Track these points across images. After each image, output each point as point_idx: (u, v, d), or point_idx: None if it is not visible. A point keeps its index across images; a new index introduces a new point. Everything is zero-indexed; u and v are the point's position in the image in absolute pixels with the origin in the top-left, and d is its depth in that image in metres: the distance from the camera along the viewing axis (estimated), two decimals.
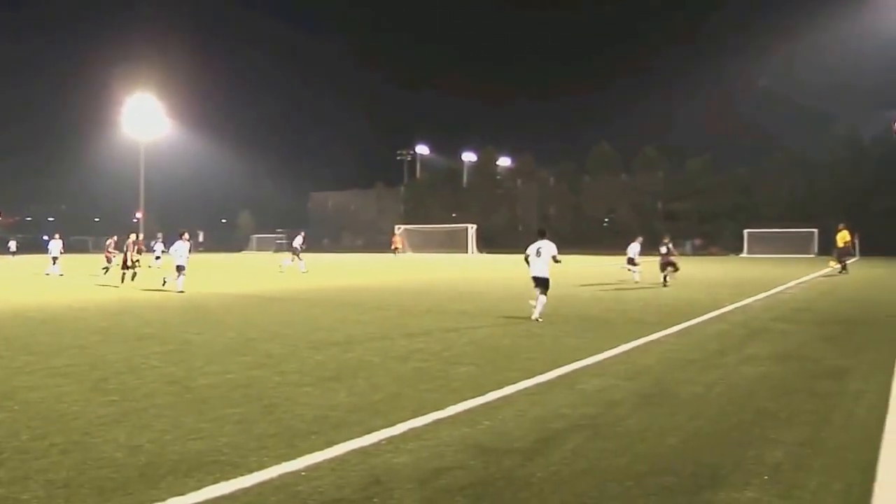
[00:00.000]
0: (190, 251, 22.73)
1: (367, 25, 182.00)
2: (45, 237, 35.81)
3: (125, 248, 26.07)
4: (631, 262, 26.84)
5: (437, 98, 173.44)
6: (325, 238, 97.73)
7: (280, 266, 34.80)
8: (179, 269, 22.02)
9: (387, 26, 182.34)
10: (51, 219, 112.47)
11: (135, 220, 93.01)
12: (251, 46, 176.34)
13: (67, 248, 39.93)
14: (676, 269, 24.78)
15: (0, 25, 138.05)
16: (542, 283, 14.35)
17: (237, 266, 43.54)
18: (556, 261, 14.45)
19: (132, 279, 25.35)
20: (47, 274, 32.27)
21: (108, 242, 34.38)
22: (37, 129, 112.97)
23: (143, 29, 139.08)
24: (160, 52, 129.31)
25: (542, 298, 14.25)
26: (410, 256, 61.37)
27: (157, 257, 40.96)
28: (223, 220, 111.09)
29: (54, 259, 33.36)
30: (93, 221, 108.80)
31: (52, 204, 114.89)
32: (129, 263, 25.46)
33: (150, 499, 4.65)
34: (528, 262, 14.63)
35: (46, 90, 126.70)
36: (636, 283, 25.18)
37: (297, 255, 35.12)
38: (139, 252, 27.09)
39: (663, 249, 25.44)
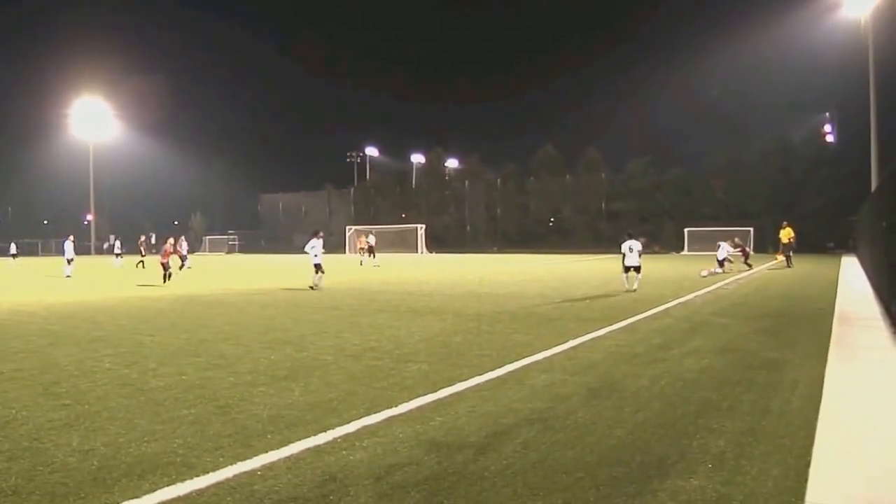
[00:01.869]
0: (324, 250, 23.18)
1: (315, 30, 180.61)
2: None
3: (164, 250, 26.67)
4: (722, 263, 29.66)
5: (386, 101, 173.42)
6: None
7: (360, 263, 39.28)
8: (318, 267, 22.27)
9: (335, 31, 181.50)
10: None
11: (85, 223, 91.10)
12: (201, 49, 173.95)
13: (18, 252, 39.75)
14: (748, 256, 33.17)
15: None
16: (637, 269, 20.77)
17: (191, 267, 42.92)
18: (640, 254, 21.02)
19: (165, 279, 26.13)
20: (68, 276, 32.26)
21: (175, 243, 35.39)
22: None
23: (90, 31, 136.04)
24: (107, 54, 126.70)
25: (638, 276, 20.78)
26: (361, 258, 61.03)
27: (184, 257, 40.75)
28: (175, 222, 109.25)
29: (69, 261, 33.45)
30: (41, 224, 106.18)
31: None
32: (167, 264, 25.79)
33: (103, 503, 4.63)
34: (624, 256, 21.12)
35: None
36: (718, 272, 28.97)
37: (373, 253, 40.27)
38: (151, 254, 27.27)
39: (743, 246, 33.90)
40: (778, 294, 20.06)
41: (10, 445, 5.89)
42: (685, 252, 63.08)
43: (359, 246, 62.82)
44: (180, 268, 35.44)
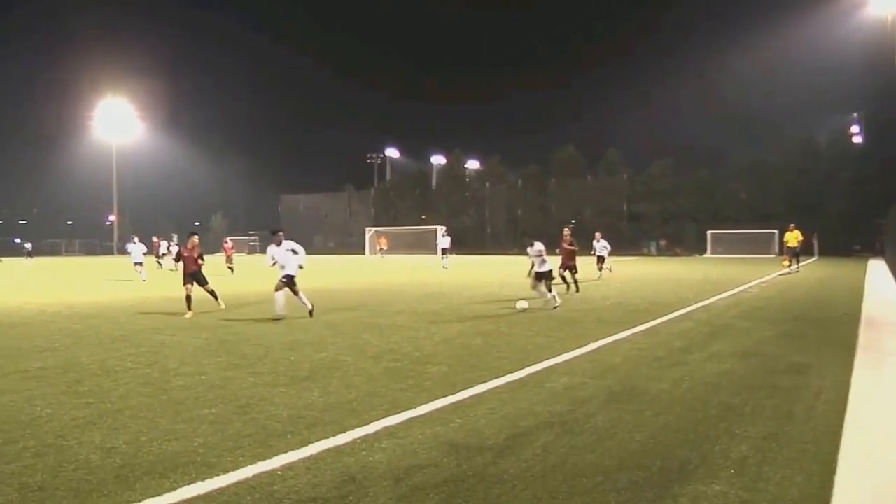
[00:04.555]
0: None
1: (336, 31, 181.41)
2: (130, 242, 33.38)
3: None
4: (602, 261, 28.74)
5: (407, 102, 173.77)
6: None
7: (443, 266, 38.86)
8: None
9: (355, 32, 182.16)
10: (22, 221, 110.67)
11: (107, 223, 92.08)
12: (223, 51, 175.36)
13: (38, 252, 39.12)
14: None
15: None
16: (549, 277, 16.85)
17: (212, 268, 43.16)
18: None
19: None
20: (144, 280, 29.56)
21: (228, 244, 37.46)
22: (8, 132, 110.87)
23: (116, 32, 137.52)
24: (133, 55, 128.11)
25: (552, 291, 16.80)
26: (381, 258, 61.23)
27: (171, 258, 40.71)
28: (196, 223, 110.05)
29: (138, 264, 30.77)
30: (65, 224, 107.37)
31: (23, 207, 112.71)
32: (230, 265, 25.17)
33: (126, 500, 4.66)
34: (533, 264, 17.00)
35: (19, 92, 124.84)
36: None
37: (446, 254, 40.33)
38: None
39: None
40: (802, 297, 19.87)
41: (36, 442, 5.96)
42: (707, 255, 62.70)
43: (378, 247, 63.14)
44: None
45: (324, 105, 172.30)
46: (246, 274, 34.81)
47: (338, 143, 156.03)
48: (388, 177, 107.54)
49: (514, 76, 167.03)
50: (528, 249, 17.26)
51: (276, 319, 14.61)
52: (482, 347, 11.01)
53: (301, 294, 15.33)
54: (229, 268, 34.99)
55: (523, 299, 16.72)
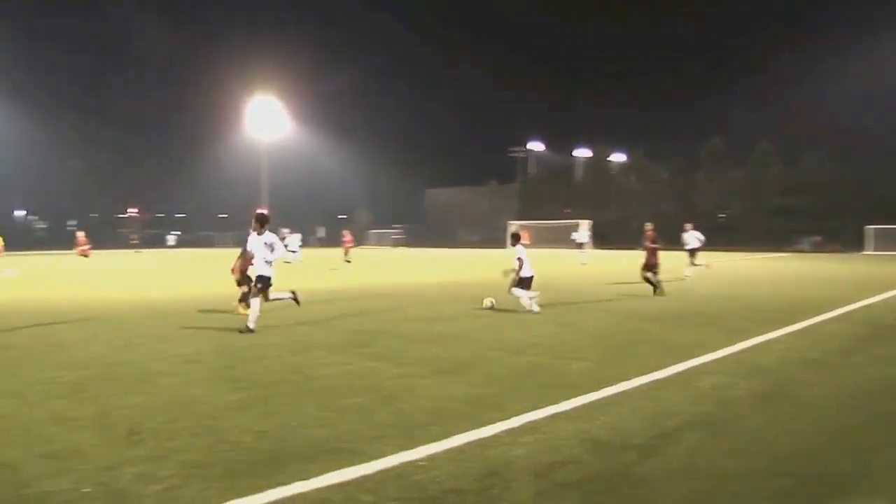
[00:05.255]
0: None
1: (480, 25, 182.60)
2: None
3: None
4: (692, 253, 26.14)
5: (550, 95, 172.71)
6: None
7: (581, 262, 38.83)
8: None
9: (500, 29, 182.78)
10: (181, 215, 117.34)
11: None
12: (368, 48, 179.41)
13: (193, 244, 40.88)
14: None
15: (128, 33, 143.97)
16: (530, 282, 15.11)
17: (356, 261, 44.42)
18: None
19: None
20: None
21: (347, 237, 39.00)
22: (171, 131, 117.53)
23: (266, 31, 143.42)
24: (282, 54, 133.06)
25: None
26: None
27: (293, 251, 42.44)
28: (342, 217, 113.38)
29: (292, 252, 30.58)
30: (217, 218, 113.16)
31: (181, 201, 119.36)
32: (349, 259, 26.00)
33: (276, 482, 4.82)
34: (521, 265, 15.05)
35: (178, 93, 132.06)
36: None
37: (583, 248, 40.98)
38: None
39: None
40: None
41: (193, 422, 6.31)
42: (868, 252, 59.04)
43: (522, 240, 63.26)
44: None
45: (468, 100, 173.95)
46: (390, 267, 35.54)
47: (482, 137, 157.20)
48: (531, 171, 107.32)
49: (660, 69, 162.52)
50: (518, 246, 15.41)
51: (243, 332, 11.99)
52: (627, 344, 10.84)
53: (277, 294, 13.11)
54: (346, 261, 35.77)
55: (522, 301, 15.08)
